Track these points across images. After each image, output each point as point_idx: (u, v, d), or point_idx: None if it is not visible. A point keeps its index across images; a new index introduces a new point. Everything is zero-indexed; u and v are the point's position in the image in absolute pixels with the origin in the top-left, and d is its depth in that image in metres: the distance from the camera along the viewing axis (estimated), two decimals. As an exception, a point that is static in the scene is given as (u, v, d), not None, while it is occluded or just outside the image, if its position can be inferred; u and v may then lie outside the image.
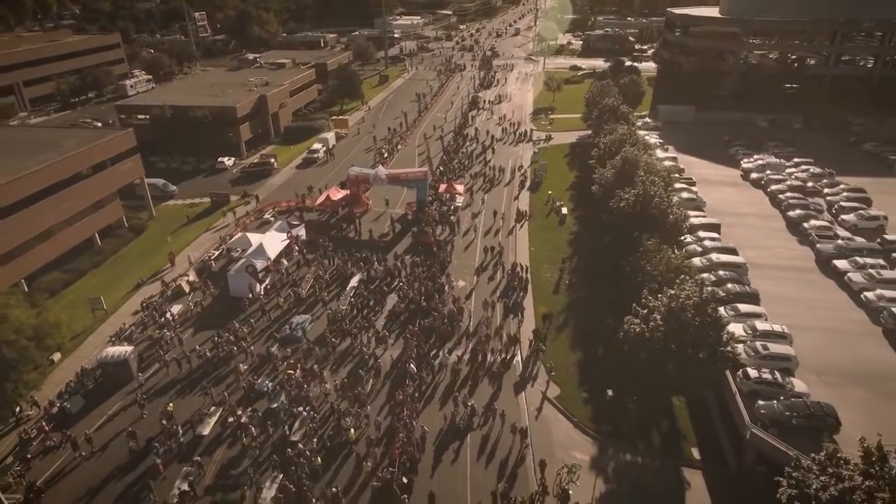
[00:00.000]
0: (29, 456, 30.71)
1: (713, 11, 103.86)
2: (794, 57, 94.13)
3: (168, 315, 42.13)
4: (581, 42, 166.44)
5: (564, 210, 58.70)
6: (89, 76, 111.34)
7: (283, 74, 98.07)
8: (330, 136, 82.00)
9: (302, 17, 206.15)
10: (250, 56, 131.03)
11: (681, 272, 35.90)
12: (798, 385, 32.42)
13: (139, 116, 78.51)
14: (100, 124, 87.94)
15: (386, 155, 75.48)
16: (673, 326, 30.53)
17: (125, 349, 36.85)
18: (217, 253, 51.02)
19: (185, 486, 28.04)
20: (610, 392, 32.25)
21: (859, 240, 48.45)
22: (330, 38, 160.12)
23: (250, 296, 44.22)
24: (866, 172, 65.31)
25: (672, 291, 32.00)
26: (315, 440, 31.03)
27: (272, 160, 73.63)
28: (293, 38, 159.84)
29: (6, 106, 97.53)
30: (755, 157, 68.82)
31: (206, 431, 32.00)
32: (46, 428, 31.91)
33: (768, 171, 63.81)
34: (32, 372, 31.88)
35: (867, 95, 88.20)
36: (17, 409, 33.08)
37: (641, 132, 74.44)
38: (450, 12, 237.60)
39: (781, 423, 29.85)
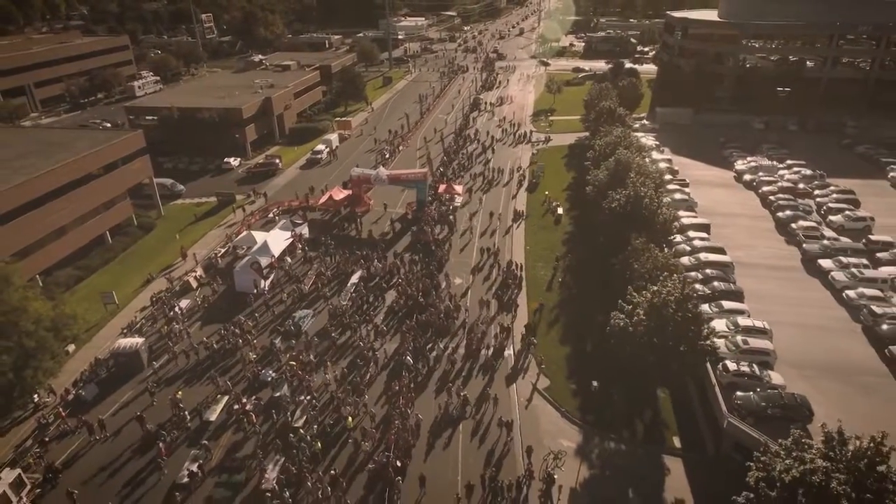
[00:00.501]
0: (47, 439, 32.66)
1: (712, 15, 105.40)
2: (794, 59, 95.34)
3: (177, 309, 44.01)
4: (583, 44, 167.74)
5: (560, 210, 60.32)
6: (98, 77, 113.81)
7: (288, 76, 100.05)
8: (333, 137, 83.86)
9: (307, 18, 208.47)
10: (256, 58, 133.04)
11: (666, 270, 37.55)
12: (775, 378, 34.00)
13: (147, 117, 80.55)
14: (109, 125, 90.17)
15: (388, 156, 77.31)
16: (655, 321, 32.22)
17: (136, 341, 38.81)
18: (223, 250, 52.93)
19: (194, 468, 29.89)
20: (595, 383, 34.13)
21: (844, 240, 49.93)
22: (335, 39, 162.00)
23: (255, 291, 46.07)
24: (858, 174, 66.66)
25: (655, 288, 33.67)
26: (315, 426, 32.86)
27: (277, 161, 75.58)
28: (298, 40, 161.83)
29: (18, 107, 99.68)
30: (749, 158, 70.28)
31: (212, 418, 33.87)
32: (63, 413, 33.86)
33: (760, 173, 65.28)
34: (50, 361, 33.81)
35: (863, 98, 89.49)
36: (36, 396, 34.99)
37: (639, 134, 76.13)
38: (454, 13, 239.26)
39: (757, 413, 31.42)
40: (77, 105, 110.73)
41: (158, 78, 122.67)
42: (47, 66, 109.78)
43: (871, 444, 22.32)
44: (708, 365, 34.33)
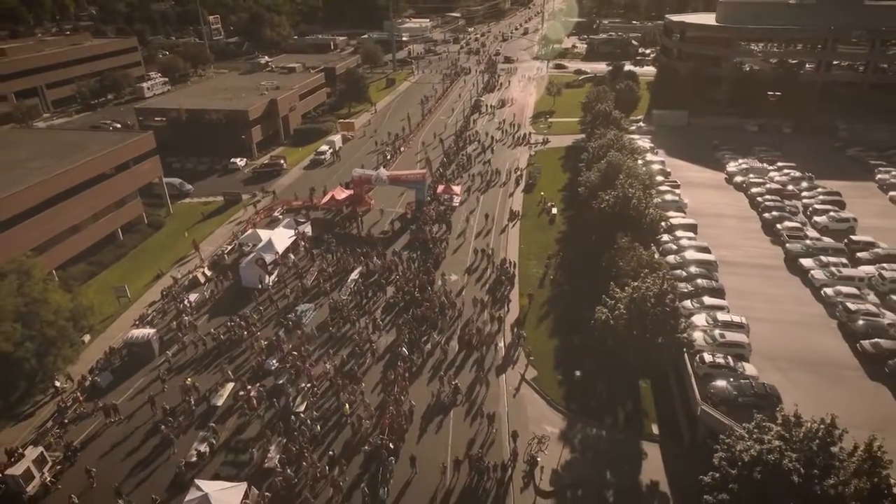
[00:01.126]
0: (66, 421, 35.16)
1: (712, 18, 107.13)
2: (793, 62, 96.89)
3: (186, 303, 46.38)
4: (585, 46, 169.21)
5: (554, 210, 62.29)
6: (108, 79, 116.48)
7: (294, 78, 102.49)
8: (337, 138, 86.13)
9: (313, 19, 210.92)
10: (262, 60, 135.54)
11: (649, 268, 39.57)
12: (749, 369, 35.98)
13: (156, 119, 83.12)
14: (119, 126, 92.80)
15: (389, 157, 79.52)
16: (634, 315, 34.27)
17: (148, 331, 41.26)
18: (230, 247, 55.31)
19: (202, 448, 32.22)
20: (578, 373, 36.22)
21: (827, 240, 51.60)
22: (340, 40, 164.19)
23: (260, 286, 48.35)
24: (847, 176, 68.23)
25: (635, 283, 35.72)
26: (315, 411, 35.14)
27: (281, 161, 77.98)
28: (304, 41, 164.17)
29: (30, 108, 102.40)
30: (740, 161, 72.00)
31: (219, 403, 36.24)
32: (80, 398, 36.33)
33: (751, 175, 67.02)
34: (69, 349, 36.40)
35: (858, 101, 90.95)
36: (56, 382, 37.43)
37: (635, 136, 78.03)
38: (458, 15, 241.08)
39: (729, 402, 33.39)
40: (88, 106, 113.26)
41: (167, 79, 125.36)
42: (59, 68, 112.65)
43: (822, 426, 24.33)
44: (686, 357, 36.33)
